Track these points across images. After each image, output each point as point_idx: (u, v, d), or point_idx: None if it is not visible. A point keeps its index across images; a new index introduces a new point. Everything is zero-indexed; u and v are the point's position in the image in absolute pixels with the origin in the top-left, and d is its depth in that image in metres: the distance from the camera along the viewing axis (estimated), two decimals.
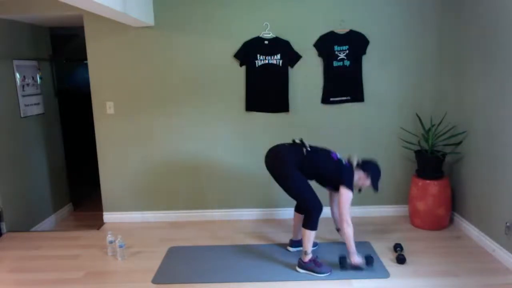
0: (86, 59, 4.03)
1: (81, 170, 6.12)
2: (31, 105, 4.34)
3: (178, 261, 3.27)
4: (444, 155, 3.71)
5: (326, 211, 3.97)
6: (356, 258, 3.01)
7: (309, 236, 2.99)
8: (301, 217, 3.21)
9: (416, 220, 3.82)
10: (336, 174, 3.06)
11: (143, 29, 3.91)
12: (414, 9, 3.86)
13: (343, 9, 3.86)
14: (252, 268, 3.12)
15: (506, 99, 3.02)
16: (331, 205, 3.45)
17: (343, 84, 3.95)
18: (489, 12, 3.20)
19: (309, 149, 3.07)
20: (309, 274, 3.00)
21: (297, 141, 3.14)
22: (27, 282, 3.02)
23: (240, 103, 4.01)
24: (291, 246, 3.40)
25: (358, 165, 3.12)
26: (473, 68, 3.45)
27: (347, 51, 3.90)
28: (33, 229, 4.33)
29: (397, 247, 3.30)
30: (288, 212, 4.16)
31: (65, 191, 5.03)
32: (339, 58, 3.91)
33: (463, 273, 2.97)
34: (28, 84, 4.29)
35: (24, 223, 4.22)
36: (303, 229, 3.01)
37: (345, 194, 3.00)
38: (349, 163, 3.13)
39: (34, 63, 4.41)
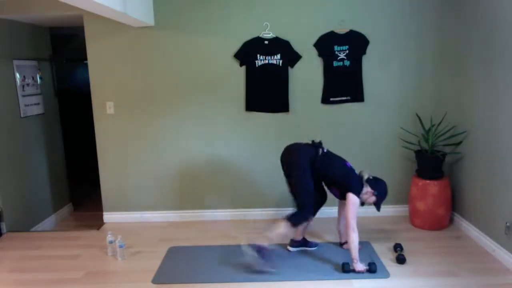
0: (86, 59, 4.03)
1: (81, 170, 6.12)
2: (31, 105, 4.34)
3: (178, 261, 3.27)
4: (444, 155, 3.71)
5: (325, 212, 3.98)
6: (359, 265, 3.00)
7: (283, 228, 2.98)
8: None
9: (416, 220, 3.82)
10: (346, 179, 3.08)
11: (143, 29, 3.91)
12: (414, 9, 3.86)
13: (343, 9, 3.86)
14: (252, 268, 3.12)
15: (506, 99, 3.02)
16: (338, 218, 3.44)
17: (343, 84, 3.95)
18: (489, 12, 3.20)
19: (325, 151, 3.14)
20: (256, 258, 2.98)
21: (316, 141, 3.21)
22: (27, 282, 3.02)
23: (240, 103, 4.01)
24: (291, 246, 3.40)
25: (368, 180, 3.14)
26: (473, 68, 3.45)
27: (347, 51, 3.90)
28: (33, 229, 4.33)
29: (397, 247, 3.30)
30: (287, 212, 4.15)
31: (65, 191, 5.03)
32: (339, 58, 3.91)
33: (463, 273, 2.97)
34: (28, 84, 4.29)
35: (24, 223, 4.22)
36: (281, 219, 3.01)
37: (353, 200, 3.03)
38: (360, 176, 3.16)
39: (34, 63, 4.41)
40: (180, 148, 4.10)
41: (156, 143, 4.09)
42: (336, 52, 3.90)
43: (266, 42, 3.88)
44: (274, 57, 3.90)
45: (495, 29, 3.13)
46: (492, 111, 3.21)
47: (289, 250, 3.39)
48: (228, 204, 4.20)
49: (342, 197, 3.15)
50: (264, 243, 2.99)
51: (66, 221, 4.83)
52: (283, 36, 3.89)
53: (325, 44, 3.89)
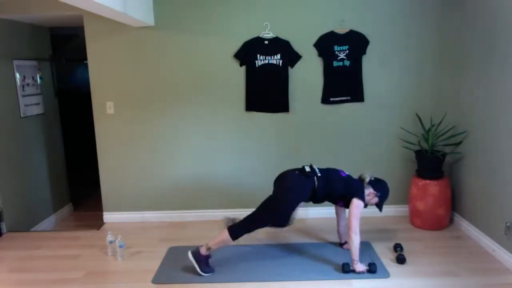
0: (86, 59, 4.03)
1: (81, 170, 6.12)
2: (31, 105, 4.34)
3: (178, 261, 3.27)
4: (444, 155, 3.71)
5: (325, 212, 3.97)
6: (359, 266, 3.00)
7: (221, 237, 2.98)
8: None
9: (416, 220, 3.82)
10: (347, 190, 3.09)
11: (143, 29, 3.91)
12: (414, 9, 3.86)
13: (343, 9, 3.86)
14: (252, 268, 3.12)
15: (506, 99, 3.02)
16: (337, 219, 3.44)
17: (343, 84, 3.95)
18: (489, 12, 3.20)
19: (319, 174, 3.07)
20: (194, 265, 2.98)
21: (308, 169, 3.10)
22: (27, 282, 3.02)
23: (240, 103, 4.01)
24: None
25: (370, 182, 3.16)
26: (473, 68, 3.45)
27: (347, 51, 3.90)
28: (33, 229, 4.33)
29: (397, 247, 3.30)
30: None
31: (65, 191, 5.03)
32: (339, 58, 3.91)
33: (463, 273, 2.97)
34: (28, 84, 4.29)
35: (24, 223, 4.22)
36: (226, 229, 2.99)
37: (357, 205, 3.03)
38: (360, 179, 3.18)
39: (34, 63, 4.41)
40: (180, 148, 4.10)
41: (156, 143, 4.09)
42: (336, 52, 3.90)
43: (266, 42, 3.88)
44: (274, 57, 3.90)
45: (495, 29, 3.13)
46: (492, 111, 3.21)
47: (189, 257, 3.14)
48: (228, 204, 4.19)
49: (347, 206, 3.14)
50: (203, 249, 3.00)
51: (66, 221, 4.83)
52: (283, 36, 3.89)
53: (325, 44, 3.89)
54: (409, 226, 3.89)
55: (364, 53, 3.92)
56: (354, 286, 2.85)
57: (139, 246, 3.59)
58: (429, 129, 3.79)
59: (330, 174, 3.13)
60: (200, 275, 2.99)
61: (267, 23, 3.88)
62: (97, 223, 4.33)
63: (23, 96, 4.20)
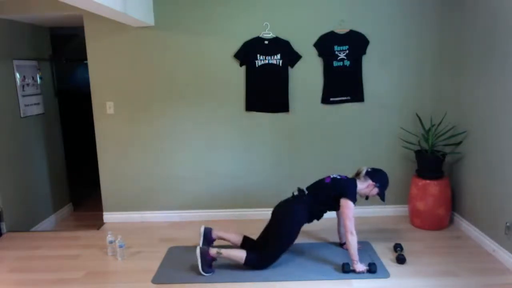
0: (86, 59, 4.03)
1: (81, 170, 6.12)
2: (31, 105, 4.34)
3: (178, 261, 3.27)
4: (444, 155, 3.71)
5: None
6: (359, 266, 3.00)
7: (236, 254, 3.03)
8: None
9: (416, 220, 3.82)
10: (333, 195, 3.12)
11: (143, 29, 3.91)
12: (414, 9, 3.86)
13: (343, 9, 3.86)
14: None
15: (506, 99, 3.02)
16: (338, 219, 3.45)
17: (343, 84, 3.95)
18: (489, 12, 3.20)
19: (306, 192, 3.17)
20: (198, 262, 2.99)
21: (296, 193, 3.21)
22: (27, 282, 3.02)
23: (240, 103, 4.01)
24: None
25: (367, 173, 3.17)
26: (473, 68, 3.45)
27: (347, 51, 3.90)
28: (33, 229, 4.33)
29: (397, 247, 3.30)
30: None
31: (65, 191, 5.03)
32: (339, 58, 3.91)
33: (463, 273, 2.97)
34: (28, 84, 4.29)
35: (24, 223, 4.22)
36: (245, 251, 3.03)
37: (346, 205, 3.05)
38: (357, 173, 3.21)
39: (34, 63, 4.41)
40: (180, 147, 4.10)
41: (156, 143, 4.09)
42: (336, 52, 3.90)
43: (266, 42, 3.88)
44: (274, 57, 3.90)
45: (495, 29, 3.13)
46: (492, 111, 3.21)
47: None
48: (227, 204, 4.19)
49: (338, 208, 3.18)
50: (213, 251, 3.02)
51: (66, 221, 4.83)
52: (283, 36, 3.89)
53: (325, 44, 3.89)
54: (409, 226, 3.89)
55: (364, 53, 3.92)
56: (354, 286, 2.85)
57: (139, 246, 3.59)
58: (429, 129, 3.79)
59: (316, 186, 3.23)
60: (200, 273, 2.99)
61: (267, 23, 3.88)
62: (97, 223, 4.33)
63: (23, 96, 4.20)
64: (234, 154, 4.10)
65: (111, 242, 3.40)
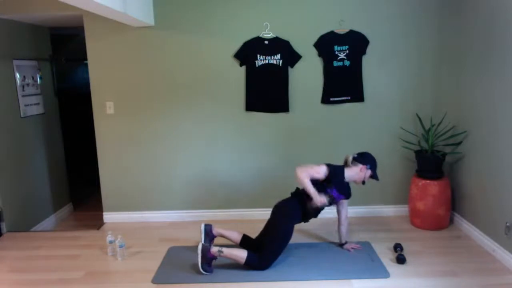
0: (86, 59, 4.03)
1: (81, 170, 6.12)
2: (31, 105, 4.34)
3: (178, 261, 3.27)
4: (444, 155, 3.71)
5: (324, 212, 3.98)
6: (319, 198, 3.04)
7: (238, 254, 3.03)
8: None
9: (416, 220, 3.82)
10: (323, 189, 3.14)
11: (143, 29, 3.91)
12: (414, 9, 3.86)
13: (343, 9, 3.86)
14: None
15: (506, 99, 3.02)
16: (338, 220, 3.43)
17: (343, 84, 3.95)
18: (489, 12, 3.20)
19: (301, 191, 3.20)
20: (198, 259, 3.00)
21: (293, 191, 3.28)
22: (27, 282, 3.02)
23: (240, 103, 4.01)
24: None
25: (354, 159, 3.23)
26: (473, 68, 3.45)
27: (347, 51, 3.90)
28: (33, 229, 4.33)
29: (397, 247, 3.30)
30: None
31: (65, 191, 5.03)
32: (339, 58, 3.91)
33: (463, 273, 2.97)
34: (28, 84, 4.29)
35: (24, 223, 4.22)
36: (246, 251, 3.04)
37: (318, 170, 3.10)
38: (345, 162, 3.26)
39: (34, 63, 4.41)
40: (180, 147, 4.10)
41: (156, 143, 4.09)
42: (336, 52, 3.90)
43: (266, 42, 3.88)
44: (274, 57, 3.90)
45: (494, 29, 3.13)
46: (492, 111, 3.21)
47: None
48: (227, 204, 4.19)
49: (338, 192, 3.19)
50: (214, 249, 3.02)
51: (66, 221, 4.83)
52: (283, 36, 3.89)
53: (325, 44, 3.89)
54: (409, 226, 3.89)
55: (364, 53, 3.92)
56: (354, 286, 2.85)
57: (139, 246, 3.59)
58: (429, 129, 3.79)
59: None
60: (199, 271, 2.99)
61: (267, 23, 3.88)
62: (97, 223, 4.33)
63: (23, 96, 4.20)
64: (234, 154, 4.10)
65: (111, 242, 3.40)
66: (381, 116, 4.03)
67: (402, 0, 3.84)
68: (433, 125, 3.88)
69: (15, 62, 4.09)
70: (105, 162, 4.14)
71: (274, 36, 3.89)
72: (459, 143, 3.72)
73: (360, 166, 3.20)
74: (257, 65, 3.92)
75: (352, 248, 3.34)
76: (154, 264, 3.24)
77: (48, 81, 4.70)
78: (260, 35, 3.89)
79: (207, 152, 4.10)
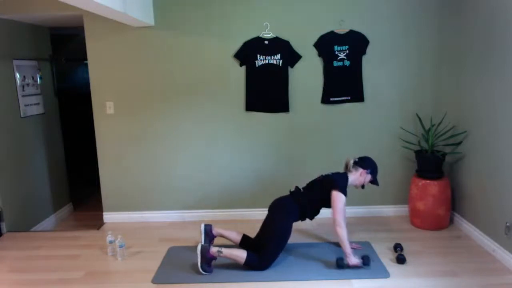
0: (86, 59, 4.03)
1: (81, 170, 6.12)
2: (31, 105, 4.34)
3: (178, 261, 3.27)
4: (444, 155, 3.71)
5: (324, 212, 3.97)
6: (353, 259, 3.02)
7: (237, 254, 3.02)
8: None
9: (416, 220, 3.82)
10: (325, 189, 3.14)
11: (143, 29, 3.91)
12: (414, 9, 3.86)
13: (343, 9, 3.86)
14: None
15: (506, 99, 3.02)
16: None
17: (343, 84, 3.95)
18: (489, 12, 3.20)
19: (302, 191, 3.21)
20: (198, 259, 2.99)
21: (292, 190, 3.25)
22: (27, 282, 3.02)
23: (240, 103, 4.01)
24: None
25: (355, 163, 3.22)
26: (473, 68, 3.45)
27: (347, 51, 3.90)
28: (33, 229, 4.33)
29: (397, 247, 3.30)
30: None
31: (65, 191, 5.03)
32: (339, 58, 3.91)
33: (463, 273, 2.97)
34: (28, 84, 4.29)
35: (24, 223, 4.22)
36: (246, 251, 3.03)
37: (338, 198, 3.06)
38: (346, 166, 3.25)
39: (34, 63, 4.41)
40: (180, 148, 4.10)
41: (156, 143, 4.09)
42: (336, 52, 3.90)
43: (266, 42, 3.88)
44: (274, 57, 3.90)
45: (494, 29, 3.13)
46: (492, 111, 3.21)
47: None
48: (227, 204, 4.20)
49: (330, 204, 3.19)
50: (213, 250, 3.02)
51: (66, 221, 4.83)
52: (283, 36, 3.89)
53: (325, 44, 3.89)
54: (409, 226, 3.89)
55: (364, 53, 3.92)
56: (354, 286, 2.85)
57: (139, 246, 3.59)
58: (429, 129, 3.79)
59: (309, 185, 3.26)
60: (198, 271, 2.99)
61: (267, 23, 3.88)
62: (97, 223, 4.33)
63: (23, 96, 4.20)
64: (234, 154, 4.10)
65: (111, 242, 3.40)
66: (381, 116, 4.03)
67: (402, 0, 3.84)
68: (433, 125, 3.88)
69: (15, 62, 4.09)
70: (105, 162, 4.14)
71: (274, 36, 3.89)
72: (459, 143, 3.72)
73: (361, 170, 3.19)
74: (257, 65, 3.92)
75: (352, 248, 3.34)
76: (154, 264, 3.24)
77: (48, 81, 4.70)
78: (260, 35, 3.89)
79: (207, 152, 4.10)
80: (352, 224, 3.91)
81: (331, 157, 4.07)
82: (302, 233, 3.77)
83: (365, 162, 3.23)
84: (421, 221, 3.77)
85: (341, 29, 3.88)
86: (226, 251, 3.02)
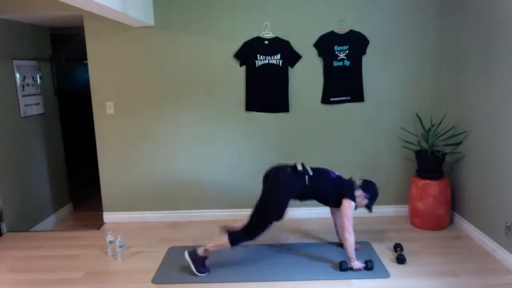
0: (86, 59, 4.03)
1: (81, 170, 6.12)
2: (31, 105, 4.34)
3: (178, 261, 3.27)
4: (444, 155, 3.71)
5: (324, 212, 3.98)
6: (357, 263, 3.02)
7: (222, 243, 2.96)
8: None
9: (416, 220, 3.82)
10: (336, 191, 3.12)
11: (143, 29, 3.91)
12: (414, 9, 3.86)
13: (343, 9, 3.86)
14: (251, 268, 3.12)
15: (506, 99, 3.02)
16: (333, 218, 3.45)
17: (343, 84, 3.95)
18: (489, 12, 3.20)
19: (311, 174, 3.07)
20: (189, 265, 2.99)
21: (299, 167, 3.08)
22: (27, 282, 3.02)
23: (240, 103, 4.01)
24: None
25: (359, 184, 3.19)
26: (473, 68, 3.45)
27: (347, 51, 3.90)
28: (33, 229, 4.33)
29: (397, 247, 3.31)
30: (289, 213, 4.16)
31: (65, 191, 5.03)
32: (339, 58, 3.91)
33: (463, 273, 2.97)
34: (28, 84, 4.29)
35: (24, 223, 4.22)
36: (225, 236, 2.97)
37: (348, 206, 3.06)
38: (351, 181, 3.20)
39: (34, 63, 4.41)
40: (180, 148, 4.10)
41: (156, 143, 4.09)
42: (336, 52, 3.90)
43: (266, 42, 3.88)
44: (274, 57, 3.90)
45: (494, 29, 3.13)
46: (492, 111, 3.21)
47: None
48: (227, 204, 4.20)
49: (337, 206, 3.18)
50: (200, 250, 3.00)
51: (66, 221, 4.83)
52: (283, 36, 3.89)
53: (325, 44, 3.89)
54: (409, 226, 3.89)
55: (364, 53, 3.92)
56: (354, 286, 2.85)
57: (139, 246, 3.59)
58: (429, 129, 3.79)
59: (321, 174, 3.16)
60: (195, 275, 2.99)
61: (267, 23, 3.88)
62: (97, 223, 4.33)
63: (23, 96, 4.20)
64: (234, 154, 4.10)
65: (111, 242, 3.40)
66: (381, 116, 4.03)
67: (402, 0, 3.84)
68: (433, 125, 3.88)
69: (15, 62, 4.09)
70: (105, 162, 4.14)
71: (274, 36, 3.89)
72: (459, 143, 3.72)
73: (361, 192, 3.16)
74: (257, 65, 3.92)
75: None
76: (154, 264, 3.24)
77: (48, 81, 4.70)
78: (260, 35, 3.89)
79: (207, 152, 4.10)
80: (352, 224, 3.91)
81: (331, 157, 4.07)
82: (302, 233, 3.77)
83: (368, 187, 3.19)
84: (421, 221, 3.77)
85: (341, 29, 3.88)
86: (210, 246, 2.99)
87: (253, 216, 3.02)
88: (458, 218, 3.83)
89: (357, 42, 3.89)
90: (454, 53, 3.74)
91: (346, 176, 3.28)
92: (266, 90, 3.95)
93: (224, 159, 4.11)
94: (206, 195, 4.18)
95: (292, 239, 3.60)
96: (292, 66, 3.94)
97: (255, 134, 4.06)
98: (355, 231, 3.70)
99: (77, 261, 3.34)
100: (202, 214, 4.21)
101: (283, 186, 3.02)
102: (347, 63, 3.92)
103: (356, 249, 3.34)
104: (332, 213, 3.43)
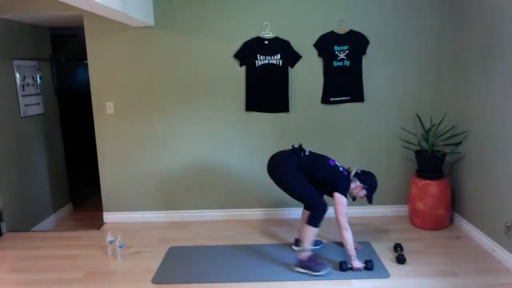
0: (86, 59, 4.03)
1: (81, 170, 6.12)
2: (31, 105, 4.34)
3: (178, 261, 3.27)
4: (444, 155, 3.71)
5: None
6: (357, 263, 3.02)
7: (310, 233, 2.99)
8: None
9: (416, 220, 3.82)
10: (331, 178, 3.11)
11: (143, 29, 3.91)
12: (414, 9, 3.86)
13: (343, 9, 3.86)
14: (252, 268, 3.12)
15: (506, 99, 3.02)
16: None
17: (343, 84, 3.95)
18: (489, 12, 3.20)
19: (307, 153, 3.15)
20: (307, 273, 2.99)
21: (296, 146, 3.22)
22: (27, 282, 3.02)
23: (240, 103, 4.01)
24: (296, 245, 3.40)
25: (356, 175, 3.18)
26: (473, 68, 3.45)
27: (347, 51, 3.90)
28: (33, 229, 4.33)
29: (397, 247, 3.31)
30: (288, 212, 4.16)
31: (65, 191, 5.03)
32: (339, 58, 3.91)
33: (463, 273, 2.97)
34: (28, 84, 4.29)
35: (24, 223, 4.22)
36: (305, 225, 3.02)
37: (340, 200, 3.05)
38: (347, 172, 3.20)
39: (34, 63, 4.41)
40: (180, 148, 4.10)
41: (156, 143, 4.09)
42: (336, 52, 3.90)
43: (266, 42, 3.88)
44: (274, 57, 3.90)
45: (495, 29, 3.13)
46: (492, 111, 3.21)
47: (294, 249, 3.39)
48: (227, 204, 4.20)
49: (330, 195, 3.16)
50: (302, 255, 3.03)
51: (66, 221, 4.83)
52: (283, 36, 3.89)
53: (325, 44, 3.89)
54: (409, 226, 3.89)
55: (364, 53, 3.92)
56: (354, 286, 2.85)
57: (139, 246, 3.59)
58: (429, 129, 3.80)
59: (318, 157, 3.21)
60: (321, 275, 2.96)
61: (267, 23, 3.88)
62: (97, 223, 4.34)
63: (23, 96, 4.20)
64: (234, 154, 4.10)
65: (111, 242, 3.40)
66: (381, 116, 4.03)
67: (402, 0, 3.84)
68: (433, 125, 3.88)
69: (15, 62, 4.10)
70: (105, 162, 4.14)
71: (274, 36, 3.89)
72: (459, 143, 3.72)
73: (358, 183, 3.16)
74: (257, 65, 3.92)
75: None
76: (154, 264, 3.24)
77: (48, 81, 4.70)
78: (260, 35, 3.89)
79: (207, 152, 4.10)
80: (352, 224, 3.90)
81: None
82: None
83: (365, 177, 3.18)
84: (421, 221, 3.77)
85: (341, 29, 3.88)
86: (305, 243, 3.01)
87: (298, 198, 3.09)
88: (458, 218, 3.83)
89: (357, 42, 3.89)
90: (454, 53, 3.74)
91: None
92: (266, 90, 3.95)
93: (224, 159, 4.11)
94: (206, 195, 4.18)
95: (291, 239, 3.60)
96: (292, 66, 3.94)
97: (255, 134, 4.06)
98: (355, 231, 3.71)
99: (77, 261, 3.34)
100: (202, 214, 4.21)
101: (283, 161, 3.10)
102: (347, 63, 3.92)
103: (355, 249, 3.34)
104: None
